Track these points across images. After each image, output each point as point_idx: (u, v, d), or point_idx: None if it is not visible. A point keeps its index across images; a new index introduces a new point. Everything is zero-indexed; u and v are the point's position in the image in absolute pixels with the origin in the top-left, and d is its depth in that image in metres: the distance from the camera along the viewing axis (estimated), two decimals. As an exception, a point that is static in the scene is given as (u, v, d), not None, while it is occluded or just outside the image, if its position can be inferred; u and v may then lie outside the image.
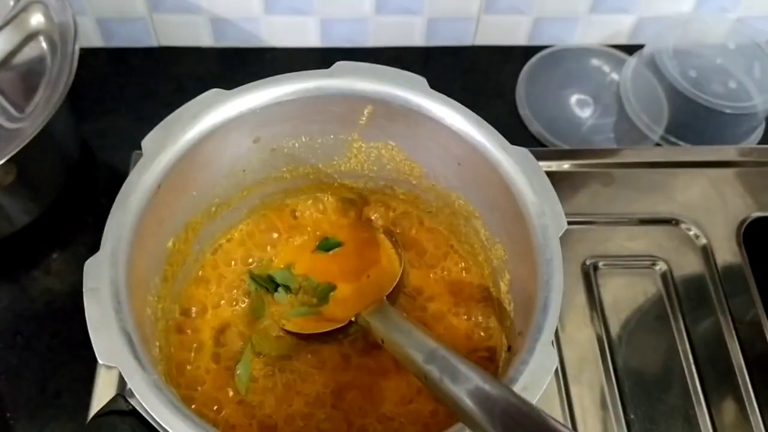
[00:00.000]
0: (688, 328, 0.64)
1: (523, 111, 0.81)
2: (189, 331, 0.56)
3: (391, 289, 0.56)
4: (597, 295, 0.65)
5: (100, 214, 0.48)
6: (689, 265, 0.67)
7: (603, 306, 0.65)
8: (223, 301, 0.58)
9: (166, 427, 0.41)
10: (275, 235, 0.62)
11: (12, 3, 0.66)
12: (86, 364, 0.59)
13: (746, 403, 0.61)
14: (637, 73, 0.81)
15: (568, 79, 0.84)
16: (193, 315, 0.57)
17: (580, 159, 0.72)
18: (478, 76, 0.85)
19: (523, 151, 0.52)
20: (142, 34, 0.83)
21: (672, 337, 0.64)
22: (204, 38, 0.84)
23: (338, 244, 0.61)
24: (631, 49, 0.85)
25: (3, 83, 0.65)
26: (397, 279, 0.57)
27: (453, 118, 0.53)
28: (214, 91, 0.53)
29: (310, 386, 0.55)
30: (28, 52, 0.66)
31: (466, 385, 0.42)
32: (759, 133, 0.80)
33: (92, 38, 0.83)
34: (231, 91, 0.53)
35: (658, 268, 0.67)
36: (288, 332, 0.57)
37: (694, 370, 0.62)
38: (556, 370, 0.61)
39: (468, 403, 0.41)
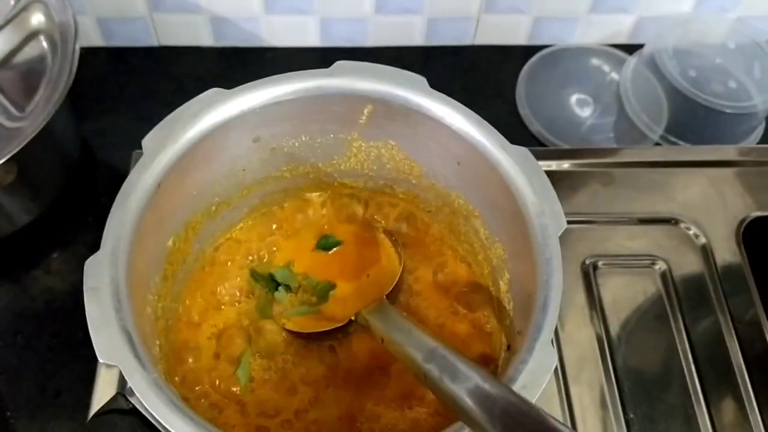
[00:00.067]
0: (688, 327, 0.64)
1: (523, 110, 0.81)
2: (189, 330, 0.56)
3: (390, 288, 0.56)
4: (596, 294, 0.65)
5: (101, 214, 0.48)
6: (689, 264, 0.67)
7: (602, 305, 0.65)
8: (223, 300, 0.58)
9: (167, 426, 0.41)
10: (275, 234, 0.62)
11: (12, 2, 0.66)
12: (86, 364, 0.59)
13: (746, 403, 0.61)
14: (637, 72, 0.81)
15: (568, 79, 0.84)
16: (194, 314, 0.57)
17: (579, 158, 0.72)
18: (478, 75, 0.85)
19: (523, 151, 0.52)
20: (143, 33, 0.83)
21: (671, 337, 0.64)
22: (204, 38, 0.84)
23: (338, 243, 0.61)
24: (631, 49, 0.85)
25: (3, 82, 0.65)
26: (397, 278, 0.57)
27: (453, 117, 0.53)
28: (214, 91, 0.53)
29: (309, 385, 0.55)
30: (28, 52, 0.66)
31: (465, 383, 0.42)
32: (759, 132, 0.80)
33: (92, 38, 0.83)
34: (231, 90, 0.53)
35: (657, 267, 0.67)
36: (288, 331, 0.57)
37: (693, 370, 0.62)
38: (556, 369, 0.61)
39: (467, 401, 0.41)
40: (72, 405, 0.61)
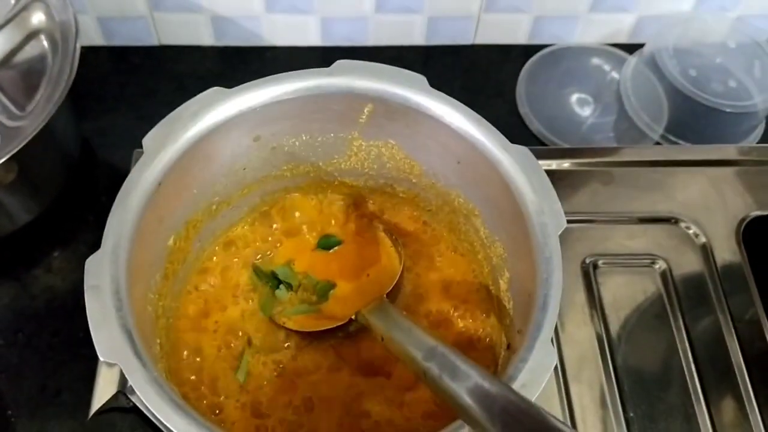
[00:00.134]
0: (688, 326, 0.64)
1: (523, 110, 0.81)
2: (189, 329, 0.56)
3: (390, 287, 0.56)
4: (596, 293, 0.66)
5: (101, 212, 0.48)
6: (689, 263, 0.67)
7: (602, 304, 0.65)
8: (223, 299, 0.58)
9: (167, 424, 0.41)
10: (275, 234, 0.62)
11: (13, 1, 0.66)
12: (87, 362, 0.59)
13: (745, 402, 0.61)
14: (637, 72, 0.81)
15: (569, 78, 0.84)
16: (194, 313, 0.57)
17: (580, 158, 0.72)
18: (479, 74, 0.85)
19: (523, 150, 0.52)
20: (143, 32, 0.83)
21: (671, 336, 0.64)
22: (205, 37, 0.84)
23: (338, 243, 0.61)
24: (631, 48, 0.85)
25: (4, 81, 0.65)
26: (397, 277, 0.57)
27: (453, 116, 0.53)
28: (214, 90, 0.53)
29: (309, 384, 0.55)
30: (29, 51, 0.66)
31: (465, 382, 0.42)
32: (759, 132, 0.80)
33: (93, 37, 0.83)
34: (231, 89, 0.53)
35: (657, 266, 0.67)
36: (288, 330, 0.57)
37: (693, 369, 0.62)
38: (556, 368, 0.61)
39: (467, 400, 0.41)
40: (72, 403, 0.61)
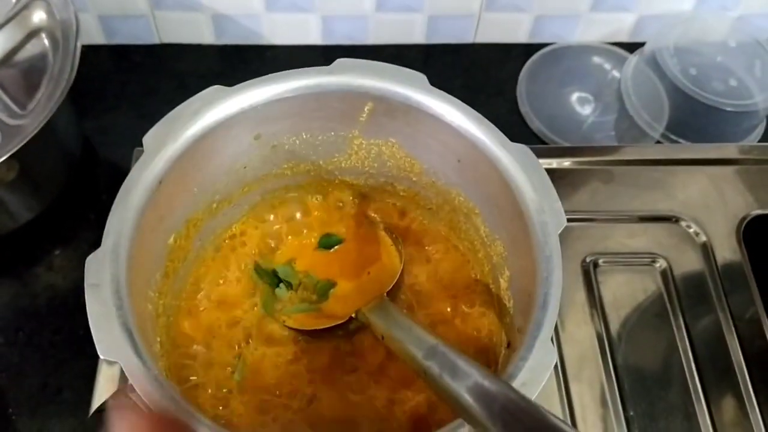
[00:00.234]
0: (688, 325, 0.64)
1: (524, 108, 0.81)
2: (190, 327, 0.56)
3: (391, 286, 0.56)
4: (597, 292, 0.66)
5: (102, 211, 0.48)
6: (689, 262, 0.67)
7: (603, 303, 0.65)
8: (223, 298, 0.59)
9: (167, 422, 0.41)
10: (276, 232, 0.62)
11: (14, 0, 0.66)
12: (88, 361, 0.59)
13: (746, 401, 0.61)
14: (638, 70, 0.81)
15: (569, 77, 0.84)
16: (194, 311, 0.57)
17: (580, 156, 0.72)
18: (479, 73, 0.85)
19: (523, 148, 0.52)
20: (144, 31, 0.83)
21: (672, 335, 0.64)
22: (205, 35, 0.84)
23: (339, 241, 0.61)
24: (631, 47, 0.85)
25: (5, 80, 0.65)
26: (397, 276, 0.57)
27: (453, 115, 0.53)
28: (215, 88, 0.53)
29: (309, 383, 0.55)
30: (30, 49, 0.66)
31: (465, 381, 0.42)
32: (759, 131, 0.80)
33: (94, 35, 0.83)
34: (232, 87, 0.53)
35: (658, 265, 0.67)
36: (289, 328, 0.57)
37: (693, 368, 0.62)
38: (556, 367, 0.61)
39: (467, 398, 0.41)
40: (73, 402, 0.61)
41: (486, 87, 0.84)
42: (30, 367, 0.63)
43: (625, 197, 0.70)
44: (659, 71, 0.79)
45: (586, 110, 0.82)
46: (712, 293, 0.66)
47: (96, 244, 0.46)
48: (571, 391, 0.60)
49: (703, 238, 0.68)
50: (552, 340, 0.45)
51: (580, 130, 0.80)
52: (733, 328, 0.64)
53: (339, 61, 0.54)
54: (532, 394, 0.42)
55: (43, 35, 0.66)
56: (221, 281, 0.59)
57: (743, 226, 0.69)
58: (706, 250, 0.68)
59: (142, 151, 0.50)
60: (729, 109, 0.76)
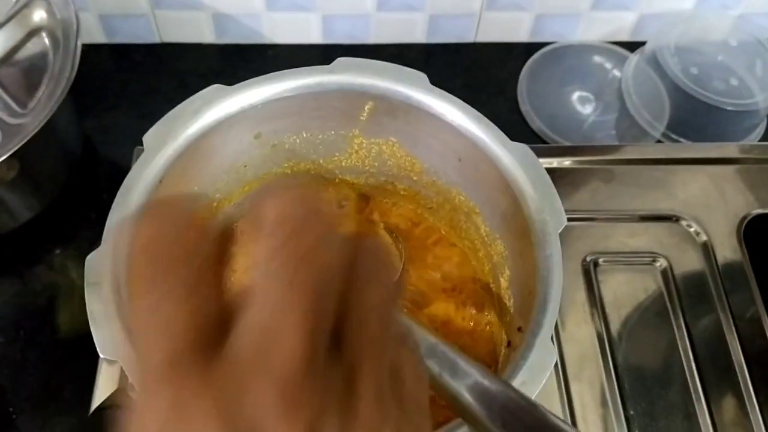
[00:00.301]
0: (689, 324, 0.64)
1: (525, 108, 0.81)
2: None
3: (391, 285, 0.56)
4: (597, 291, 0.66)
5: (102, 210, 0.48)
6: (690, 261, 0.67)
7: (603, 303, 0.65)
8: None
9: (167, 421, 0.41)
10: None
11: (14, -1, 0.66)
12: (88, 359, 0.59)
13: (746, 400, 0.61)
14: (639, 70, 0.81)
15: (570, 76, 0.84)
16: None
17: (581, 156, 0.72)
18: (480, 72, 0.85)
19: (524, 148, 0.52)
20: (145, 30, 0.83)
21: (672, 334, 0.64)
22: (206, 34, 0.84)
23: (339, 240, 0.61)
24: (632, 46, 0.84)
25: (5, 79, 0.65)
26: (398, 275, 0.57)
27: (453, 114, 0.53)
28: (215, 87, 0.53)
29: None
30: (30, 48, 0.66)
31: (465, 380, 0.42)
32: (760, 130, 0.80)
33: (95, 34, 0.83)
34: (232, 87, 0.53)
35: (658, 264, 0.67)
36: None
37: (694, 367, 0.62)
38: (556, 366, 0.61)
39: (467, 398, 0.41)
40: (74, 400, 0.61)
41: (487, 86, 0.84)
42: (30, 366, 0.63)
43: (626, 196, 0.70)
44: (660, 70, 0.79)
45: (586, 109, 0.82)
46: (712, 293, 0.66)
47: (96, 243, 0.46)
48: (572, 390, 0.60)
49: (704, 238, 0.68)
50: (552, 339, 0.45)
51: (580, 129, 0.80)
52: (733, 328, 0.64)
53: (339, 60, 0.54)
54: (532, 394, 0.42)
55: (44, 34, 0.66)
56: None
57: (744, 225, 0.69)
58: (707, 250, 0.68)
59: (143, 150, 0.50)
60: (730, 108, 0.76)
